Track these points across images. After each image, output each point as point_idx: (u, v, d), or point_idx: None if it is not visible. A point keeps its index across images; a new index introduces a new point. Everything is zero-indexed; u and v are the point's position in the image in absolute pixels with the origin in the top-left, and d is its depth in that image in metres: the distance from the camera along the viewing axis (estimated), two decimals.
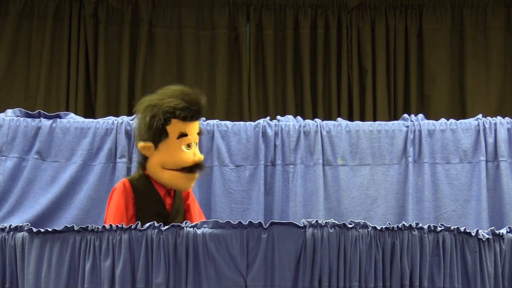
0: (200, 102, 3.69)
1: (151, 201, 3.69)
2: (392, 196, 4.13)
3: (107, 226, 3.33)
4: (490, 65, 5.95)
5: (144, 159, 3.72)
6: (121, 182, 3.71)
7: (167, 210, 3.70)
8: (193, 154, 3.67)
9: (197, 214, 3.87)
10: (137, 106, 3.74)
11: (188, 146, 3.66)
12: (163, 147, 3.64)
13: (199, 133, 3.75)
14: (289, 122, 4.22)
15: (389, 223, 3.37)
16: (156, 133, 3.63)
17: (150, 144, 3.64)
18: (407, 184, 4.12)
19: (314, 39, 5.97)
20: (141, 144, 3.66)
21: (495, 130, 4.18)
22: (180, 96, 3.66)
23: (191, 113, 3.64)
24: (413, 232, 3.34)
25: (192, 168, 3.66)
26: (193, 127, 3.69)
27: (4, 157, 4.09)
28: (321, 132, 4.20)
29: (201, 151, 3.85)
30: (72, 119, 4.20)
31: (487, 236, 3.38)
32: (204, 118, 4.16)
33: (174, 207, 3.72)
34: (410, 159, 4.15)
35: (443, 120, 4.26)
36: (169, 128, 3.63)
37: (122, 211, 3.64)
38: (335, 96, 5.92)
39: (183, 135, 3.64)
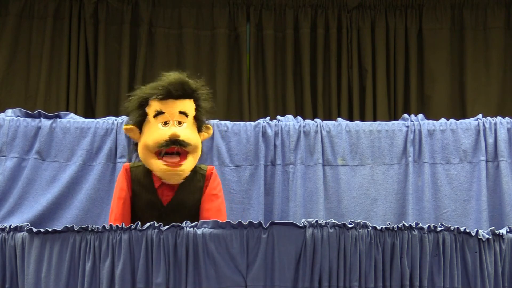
0: (180, 81, 3.67)
1: (144, 190, 3.70)
2: (392, 196, 4.13)
3: (107, 226, 3.34)
4: (490, 65, 5.94)
5: (135, 146, 3.76)
6: (122, 166, 3.79)
7: (161, 202, 3.67)
8: (169, 130, 3.62)
9: (212, 212, 3.71)
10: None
11: (165, 123, 3.64)
12: (145, 129, 3.68)
13: (186, 113, 3.68)
14: (289, 122, 4.22)
15: (389, 223, 3.37)
16: (136, 114, 3.69)
17: (132, 126, 3.72)
18: (407, 184, 4.12)
19: (314, 39, 5.96)
20: (124, 126, 3.75)
21: (495, 130, 4.18)
22: (161, 80, 3.69)
23: (167, 91, 3.63)
24: (413, 232, 3.33)
25: (168, 144, 3.59)
26: (172, 106, 3.65)
27: (4, 157, 4.09)
28: (321, 132, 4.19)
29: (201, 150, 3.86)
30: (72, 119, 4.20)
31: (487, 236, 3.38)
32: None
33: (174, 200, 3.68)
34: (410, 159, 4.14)
35: (443, 120, 4.26)
36: (148, 109, 3.67)
37: (121, 192, 3.71)
38: (335, 96, 5.91)
39: (159, 113, 3.64)
